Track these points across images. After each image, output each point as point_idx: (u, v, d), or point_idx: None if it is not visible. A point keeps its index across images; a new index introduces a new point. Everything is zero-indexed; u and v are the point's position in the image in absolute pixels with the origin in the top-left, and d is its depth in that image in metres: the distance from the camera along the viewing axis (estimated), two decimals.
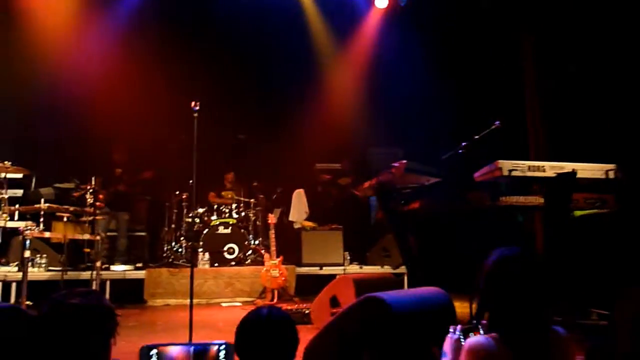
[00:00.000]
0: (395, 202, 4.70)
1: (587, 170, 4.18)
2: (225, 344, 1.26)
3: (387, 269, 6.73)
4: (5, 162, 4.57)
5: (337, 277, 5.04)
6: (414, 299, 2.91)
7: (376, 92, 7.86)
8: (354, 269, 6.87)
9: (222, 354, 1.23)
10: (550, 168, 4.41)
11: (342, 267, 6.80)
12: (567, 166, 4.31)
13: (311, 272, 6.78)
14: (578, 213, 4.52)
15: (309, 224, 7.16)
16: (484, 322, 1.73)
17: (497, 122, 4.61)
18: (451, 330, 1.83)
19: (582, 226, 4.61)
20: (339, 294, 4.52)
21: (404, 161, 4.43)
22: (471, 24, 6.90)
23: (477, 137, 4.63)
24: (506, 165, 4.44)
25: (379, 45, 8.06)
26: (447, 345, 1.81)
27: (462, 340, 1.75)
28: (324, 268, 6.80)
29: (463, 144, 4.59)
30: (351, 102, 8.01)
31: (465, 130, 4.77)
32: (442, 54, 7.18)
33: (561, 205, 4.20)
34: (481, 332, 1.72)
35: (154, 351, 1.21)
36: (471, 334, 1.75)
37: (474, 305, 4.09)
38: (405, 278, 6.55)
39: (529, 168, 4.43)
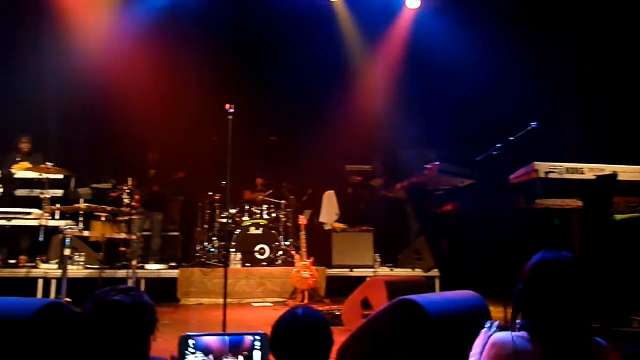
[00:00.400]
0: (428, 204, 4.65)
1: (629, 172, 4.06)
2: (261, 334, 1.28)
3: (419, 272, 6.66)
4: (48, 164, 4.74)
5: (369, 279, 5.02)
6: (449, 302, 2.86)
7: (407, 92, 7.80)
8: (385, 271, 6.83)
9: (257, 344, 1.25)
10: (590, 170, 4.29)
11: (373, 270, 6.76)
12: (608, 168, 4.19)
13: (341, 273, 6.77)
14: (619, 217, 4.37)
15: (340, 225, 7.15)
16: (518, 321, 1.68)
17: (534, 123, 4.51)
18: (487, 325, 1.79)
19: (623, 231, 4.46)
20: (370, 297, 4.50)
21: (437, 163, 4.40)
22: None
23: (512, 138, 4.54)
24: (543, 167, 4.35)
25: (410, 45, 8.02)
26: (479, 340, 1.77)
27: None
28: (354, 270, 6.78)
29: (498, 145, 4.51)
30: (382, 103, 7.97)
31: (501, 131, 4.67)
32: (475, 51, 7.07)
33: (601, 209, 4.08)
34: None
35: (192, 340, 1.24)
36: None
37: (509, 310, 4.00)
38: (437, 281, 6.49)
39: (567, 170, 4.33)
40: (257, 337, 1.26)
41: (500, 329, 1.74)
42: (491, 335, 1.70)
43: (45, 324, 2.08)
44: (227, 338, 1.26)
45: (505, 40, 6.73)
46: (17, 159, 6.35)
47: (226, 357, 1.23)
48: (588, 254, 4.17)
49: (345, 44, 7.97)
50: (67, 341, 1.97)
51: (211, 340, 1.24)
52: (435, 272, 6.49)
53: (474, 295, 2.96)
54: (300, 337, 1.64)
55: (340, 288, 6.63)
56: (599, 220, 4.14)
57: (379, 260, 6.92)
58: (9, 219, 4.60)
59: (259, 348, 1.25)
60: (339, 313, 4.82)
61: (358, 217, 7.28)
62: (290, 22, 7.36)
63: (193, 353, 1.23)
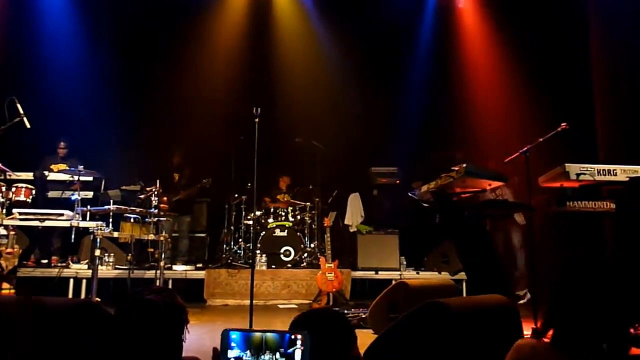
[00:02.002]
0: (455, 206, 4.59)
1: None
2: (303, 333, 1.28)
3: (445, 275, 6.58)
4: (79, 166, 4.86)
5: (396, 282, 4.98)
6: (478, 306, 2.82)
7: (432, 93, 7.75)
8: (411, 274, 6.78)
9: (298, 342, 1.25)
10: (623, 172, 4.17)
11: (398, 272, 6.72)
12: None
13: (367, 276, 6.75)
14: None
15: (365, 227, 7.13)
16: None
17: (564, 124, 4.42)
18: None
19: None
20: (397, 299, 4.46)
21: (464, 164, 4.33)
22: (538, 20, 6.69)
23: (542, 139, 4.45)
24: (574, 168, 4.25)
25: (431, 46, 7.97)
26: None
27: None
28: (379, 272, 6.74)
29: (527, 146, 4.42)
30: (406, 104, 7.92)
31: (530, 131, 4.59)
32: (502, 50, 6.98)
33: (635, 211, 3.95)
34: None
35: (234, 334, 1.26)
36: None
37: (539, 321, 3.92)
38: (464, 285, 6.39)
39: (599, 172, 4.22)
40: (299, 336, 1.27)
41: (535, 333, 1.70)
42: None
43: (79, 323, 2.12)
44: (267, 335, 1.27)
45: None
46: (55, 162, 6.58)
47: (264, 354, 1.24)
48: (621, 259, 4.04)
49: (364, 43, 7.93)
50: (99, 340, 2.01)
51: (251, 337, 1.26)
52: (461, 276, 6.40)
53: (504, 301, 2.91)
54: (318, 330, 1.64)
55: (365, 290, 6.63)
56: (633, 224, 4.01)
57: (405, 262, 6.88)
58: (42, 220, 4.72)
59: (299, 347, 1.25)
60: (364, 315, 4.79)
61: (383, 219, 7.23)
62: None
63: (233, 348, 1.25)
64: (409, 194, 5.91)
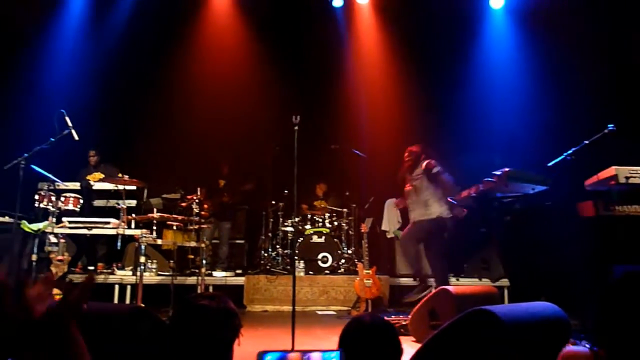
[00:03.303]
0: (497, 211, 4.50)
1: None
2: (337, 352, 1.28)
3: (486, 282, 6.45)
4: (124, 176, 5.02)
5: (437, 289, 4.92)
6: (527, 314, 2.75)
7: (468, 95, 7.64)
8: (451, 280, 6.65)
9: None
10: None
11: None
12: None
13: (405, 283, 6.68)
14: None
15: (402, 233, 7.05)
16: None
17: (611, 126, 4.28)
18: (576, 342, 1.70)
19: None
20: (437, 307, 4.40)
21: (507, 169, 4.25)
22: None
23: (587, 142, 4.32)
24: (622, 171, 4.11)
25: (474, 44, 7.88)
26: None
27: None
28: (418, 279, 6.64)
29: (572, 149, 4.31)
30: (442, 106, 7.84)
31: (575, 134, 4.47)
32: (545, 52, 6.82)
33: None
34: None
35: (270, 356, 1.27)
36: None
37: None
38: (506, 292, 6.25)
39: None
40: (332, 355, 1.27)
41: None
42: None
43: (133, 328, 2.18)
44: (301, 355, 1.27)
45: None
46: (89, 172, 6.79)
47: None
48: None
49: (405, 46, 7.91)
50: (153, 346, 2.06)
51: (289, 357, 1.26)
52: (503, 282, 6.26)
53: (553, 307, 2.83)
54: (368, 345, 1.63)
55: (403, 297, 6.55)
56: None
57: None
58: (90, 228, 4.89)
59: None
60: (405, 323, 4.74)
61: None
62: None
63: None
64: (448, 198, 5.84)
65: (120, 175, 5.49)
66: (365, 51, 8.14)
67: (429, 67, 7.81)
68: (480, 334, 2.50)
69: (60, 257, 4.69)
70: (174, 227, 5.44)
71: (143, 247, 4.84)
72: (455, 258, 6.99)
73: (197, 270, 5.84)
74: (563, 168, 4.37)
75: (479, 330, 2.51)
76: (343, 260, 7.01)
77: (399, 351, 1.71)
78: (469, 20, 7.77)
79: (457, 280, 6.72)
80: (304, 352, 1.32)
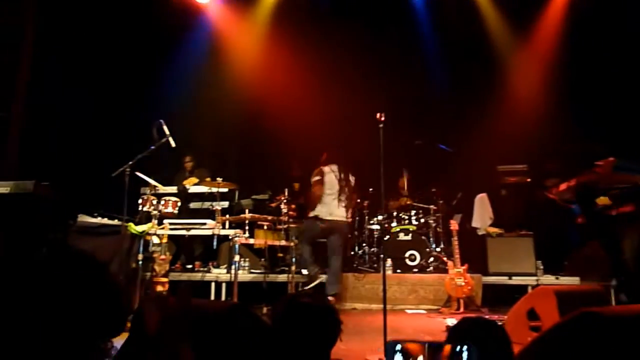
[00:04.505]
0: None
1: None
2: (467, 344, 1.26)
3: (590, 281, 6.00)
4: (218, 179, 5.28)
5: (536, 288, 4.67)
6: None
7: (565, 83, 7.14)
8: (549, 279, 6.29)
9: (464, 355, 1.24)
10: None
11: (535, 278, 6.27)
12: None
13: (499, 281, 6.39)
14: None
15: (495, 230, 6.77)
16: None
17: None
18: None
19: None
20: (537, 307, 4.16)
21: (611, 158, 3.93)
22: None
23: None
24: None
25: (564, 36, 7.37)
26: None
27: None
28: (513, 278, 6.35)
29: None
30: (537, 96, 7.40)
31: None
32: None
33: None
34: None
35: (398, 345, 1.29)
36: None
37: None
38: (612, 292, 5.78)
39: None
40: (464, 348, 1.25)
41: None
42: None
43: (233, 324, 2.27)
44: (426, 345, 1.28)
45: None
46: (186, 176, 7.21)
47: None
48: None
49: (492, 37, 7.58)
50: (254, 343, 2.13)
51: (412, 346, 1.27)
52: (609, 281, 5.79)
53: None
54: (476, 343, 1.58)
55: (497, 297, 6.28)
56: None
57: (542, 267, 6.40)
58: (188, 229, 5.19)
59: (466, 358, 1.24)
60: (501, 323, 4.54)
61: (514, 220, 6.81)
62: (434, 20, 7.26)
63: (396, 357, 1.28)
64: (544, 193, 5.52)
65: (208, 179, 5.79)
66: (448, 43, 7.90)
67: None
68: (589, 338, 2.33)
69: (162, 257, 5.02)
70: (265, 227, 5.63)
71: (237, 246, 5.05)
72: (554, 256, 6.60)
73: (286, 268, 5.99)
74: None
75: (588, 335, 2.34)
76: (432, 259, 6.86)
77: (511, 350, 1.65)
78: None
79: (557, 279, 6.32)
80: (432, 343, 1.33)
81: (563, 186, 4.64)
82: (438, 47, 7.67)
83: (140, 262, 4.91)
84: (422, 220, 7.22)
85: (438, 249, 7.01)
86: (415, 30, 7.81)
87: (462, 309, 5.87)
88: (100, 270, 1.21)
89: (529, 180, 7.05)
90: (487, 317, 4.98)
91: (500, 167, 7.30)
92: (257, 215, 5.37)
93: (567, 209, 6.08)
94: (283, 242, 5.58)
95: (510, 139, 7.27)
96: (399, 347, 1.28)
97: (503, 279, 6.38)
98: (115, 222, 4.97)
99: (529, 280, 6.24)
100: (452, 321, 4.78)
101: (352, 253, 7.20)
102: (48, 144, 6.07)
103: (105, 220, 4.97)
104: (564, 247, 6.57)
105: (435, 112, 7.72)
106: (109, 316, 1.17)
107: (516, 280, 6.30)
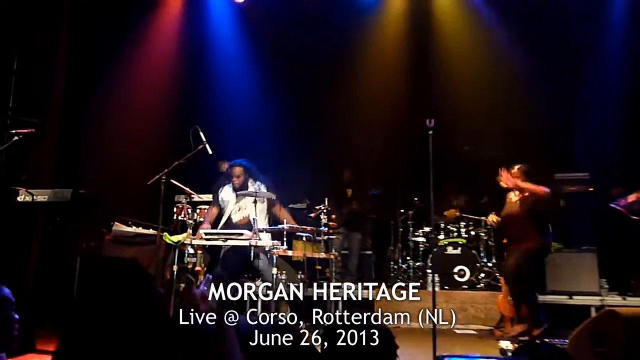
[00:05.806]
0: None
1: None
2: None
3: None
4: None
5: (600, 310, 4.20)
6: None
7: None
8: (615, 299, 5.73)
9: None
10: None
11: (599, 297, 5.73)
12: None
13: (558, 301, 5.88)
14: None
15: (554, 244, 6.24)
16: None
17: None
18: None
19: None
20: (602, 331, 3.72)
21: None
22: None
23: None
24: None
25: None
26: None
27: None
28: (573, 297, 5.83)
29: None
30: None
31: None
32: None
33: None
34: None
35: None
36: None
37: None
38: None
39: None
40: None
41: None
42: None
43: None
44: None
45: None
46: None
47: None
48: None
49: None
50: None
51: None
52: None
53: None
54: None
55: (557, 317, 5.77)
56: None
57: (607, 286, 5.85)
58: (225, 239, 5.02)
59: None
60: (561, 347, 4.10)
61: (576, 234, 6.26)
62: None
63: None
64: (611, 204, 5.02)
65: None
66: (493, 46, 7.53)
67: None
68: None
69: (198, 268, 4.87)
70: (304, 238, 5.39)
71: (275, 258, 4.84)
72: (620, 274, 6.03)
73: (326, 282, 5.71)
74: None
75: None
76: (483, 275, 6.42)
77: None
78: None
79: (624, 299, 5.76)
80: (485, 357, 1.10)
81: (632, 197, 4.16)
82: None
83: (175, 273, 4.78)
84: (472, 233, 6.78)
85: (490, 264, 6.55)
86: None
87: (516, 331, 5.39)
88: (147, 277, 1.27)
89: (591, 189, 6.47)
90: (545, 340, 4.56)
91: (558, 175, 6.74)
92: (295, 226, 5.13)
93: (636, 222, 5.51)
94: (322, 254, 5.31)
95: (568, 143, 6.78)
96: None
97: (563, 298, 5.87)
98: (150, 231, 4.86)
99: (592, 300, 5.71)
100: (506, 344, 4.37)
101: (395, 267, 6.84)
102: (83, 151, 6.12)
103: (140, 230, 4.87)
104: (631, 263, 6.01)
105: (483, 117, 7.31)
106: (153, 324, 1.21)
107: (577, 300, 5.79)
